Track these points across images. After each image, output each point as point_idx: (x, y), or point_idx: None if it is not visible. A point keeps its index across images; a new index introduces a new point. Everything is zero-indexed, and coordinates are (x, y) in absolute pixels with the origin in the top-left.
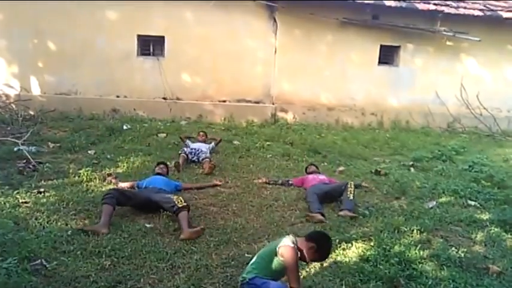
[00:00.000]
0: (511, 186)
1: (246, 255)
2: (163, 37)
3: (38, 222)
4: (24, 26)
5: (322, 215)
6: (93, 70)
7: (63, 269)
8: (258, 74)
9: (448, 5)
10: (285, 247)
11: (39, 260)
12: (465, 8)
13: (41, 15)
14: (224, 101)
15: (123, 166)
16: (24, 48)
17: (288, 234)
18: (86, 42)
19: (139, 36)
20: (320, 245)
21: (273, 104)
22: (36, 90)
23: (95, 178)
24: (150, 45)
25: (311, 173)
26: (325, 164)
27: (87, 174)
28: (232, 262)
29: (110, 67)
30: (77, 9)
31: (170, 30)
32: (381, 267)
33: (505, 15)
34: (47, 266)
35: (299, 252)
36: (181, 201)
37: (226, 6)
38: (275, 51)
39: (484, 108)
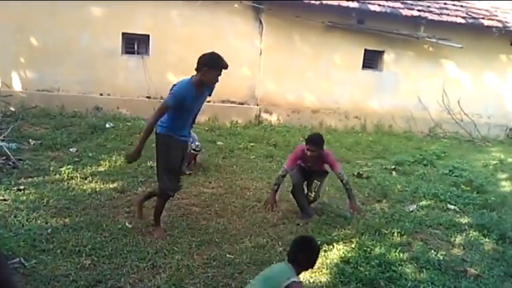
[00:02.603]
0: (489, 191)
1: (228, 255)
2: (148, 35)
3: (17, 220)
4: (7, 21)
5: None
6: (77, 67)
7: (42, 267)
8: (243, 75)
9: (431, 12)
10: (297, 284)
11: (18, 259)
12: (448, 15)
13: (24, 11)
14: (208, 102)
15: (105, 165)
16: (6, 44)
17: (285, 261)
18: (69, 38)
19: (124, 34)
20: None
21: (258, 105)
22: (17, 86)
23: (76, 177)
24: (135, 44)
25: (308, 158)
26: None
27: (68, 172)
28: (214, 263)
29: (93, 64)
30: (61, 6)
31: (155, 28)
32: (362, 269)
33: (486, 23)
34: (26, 264)
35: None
36: None
37: (212, 7)
38: (260, 53)
39: (465, 114)
